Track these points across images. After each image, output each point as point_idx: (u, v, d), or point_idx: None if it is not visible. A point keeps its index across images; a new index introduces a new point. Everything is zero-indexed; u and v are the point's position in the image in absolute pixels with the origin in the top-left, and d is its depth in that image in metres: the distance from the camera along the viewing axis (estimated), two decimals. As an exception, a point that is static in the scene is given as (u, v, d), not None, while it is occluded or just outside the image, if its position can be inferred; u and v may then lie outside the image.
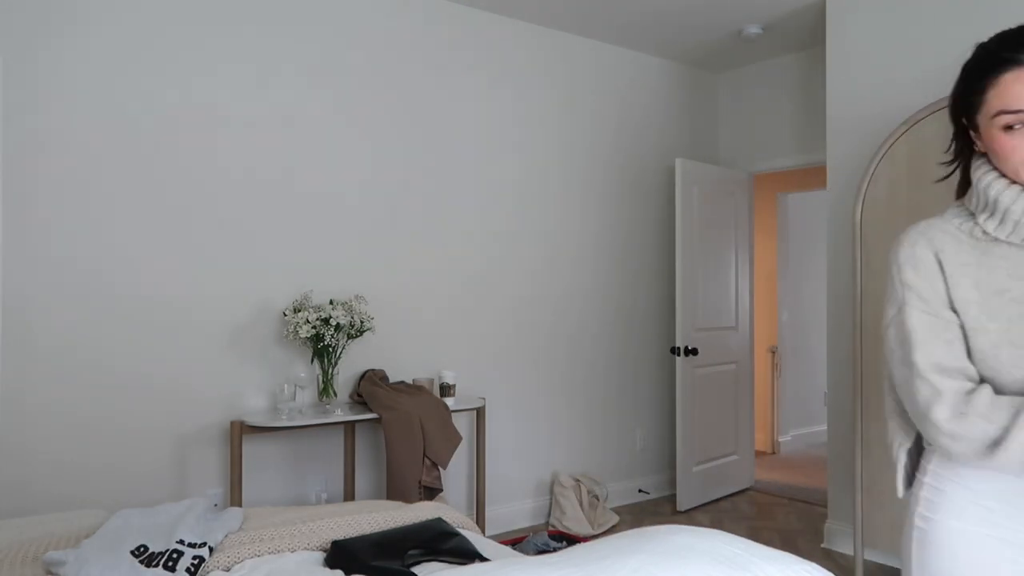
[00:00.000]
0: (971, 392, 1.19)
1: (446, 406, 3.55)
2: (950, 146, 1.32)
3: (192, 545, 1.87)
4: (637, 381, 4.82)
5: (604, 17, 4.26)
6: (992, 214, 1.22)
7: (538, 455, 4.36)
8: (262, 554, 1.92)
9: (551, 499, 4.30)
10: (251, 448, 3.38)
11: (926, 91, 3.46)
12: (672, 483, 4.93)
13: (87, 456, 3.04)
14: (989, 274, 1.21)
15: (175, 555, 1.83)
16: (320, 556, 1.96)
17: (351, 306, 3.39)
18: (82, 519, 2.23)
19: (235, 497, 3.07)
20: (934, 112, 3.18)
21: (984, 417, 1.15)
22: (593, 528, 4.15)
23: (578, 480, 4.28)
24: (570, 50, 4.52)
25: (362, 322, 3.39)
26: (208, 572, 1.84)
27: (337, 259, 3.65)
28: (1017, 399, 1.16)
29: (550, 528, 4.12)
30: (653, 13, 4.21)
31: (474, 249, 4.11)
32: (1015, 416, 1.13)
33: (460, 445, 3.77)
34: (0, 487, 2.88)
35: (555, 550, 3.57)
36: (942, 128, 3.16)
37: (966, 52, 1.29)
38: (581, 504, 4.19)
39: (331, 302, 3.41)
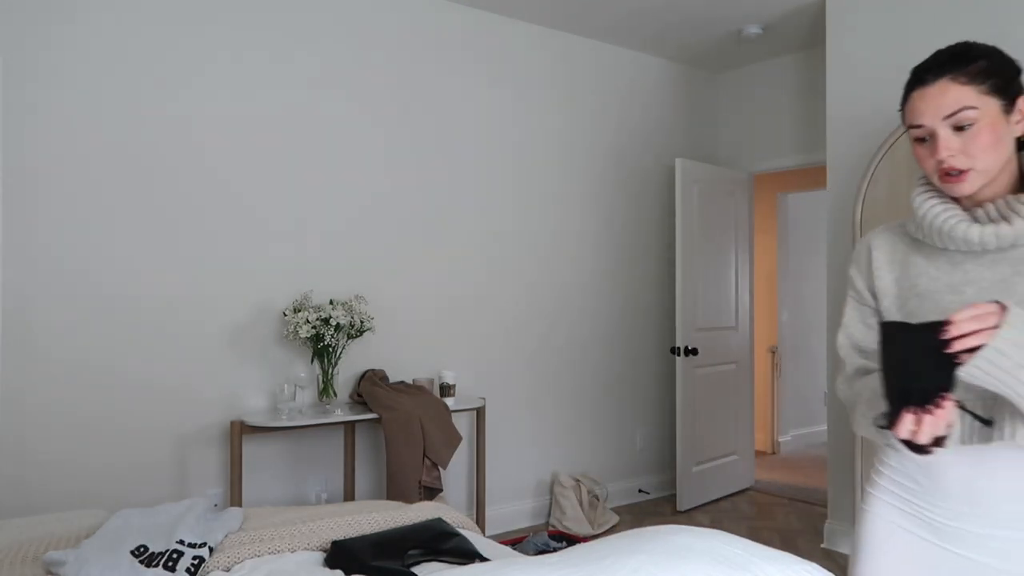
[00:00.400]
0: (868, 372, 1.38)
1: (446, 406, 3.55)
2: None
3: (192, 545, 1.87)
4: (637, 381, 4.82)
5: (604, 17, 4.26)
6: (913, 218, 1.37)
7: (538, 455, 4.36)
8: (262, 554, 1.92)
9: (551, 499, 4.30)
10: (251, 448, 3.38)
11: (926, 91, 3.45)
12: (672, 483, 4.93)
13: (87, 456, 3.04)
14: (908, 270, 1.36)
15: (175, 555, 1.83)
16: (320, 556, 1.96)
17: (351, 306, 3.39)
18: (82, 519, 2.23)
19: (235, 497, 3.07)
20: (934, 112, 3.17)
21: (856, 392, 1.36)
22: (593, 528, 4.15)
23: (578, 480, 4.28)
24: (570, 50, 4.51)
25: (362, 322, 3.39)
26: (208, 572, 1.84)
27: (337, 259, 3.65)
28: (878, 383, 1.29)
29: (550, 528, 4.12)
30: (653, 13, 4.21)
31: (474, 249, 4.11)
32: (859, 394, 1.34)
33: (460, 445, 3.77)
34: (0, 487, 2.88)
35: (555, 550, 3.57)
36: (942, 128, 3.16)
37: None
38: (581, 504, 4.19)
39: (331, 302, 3.41)
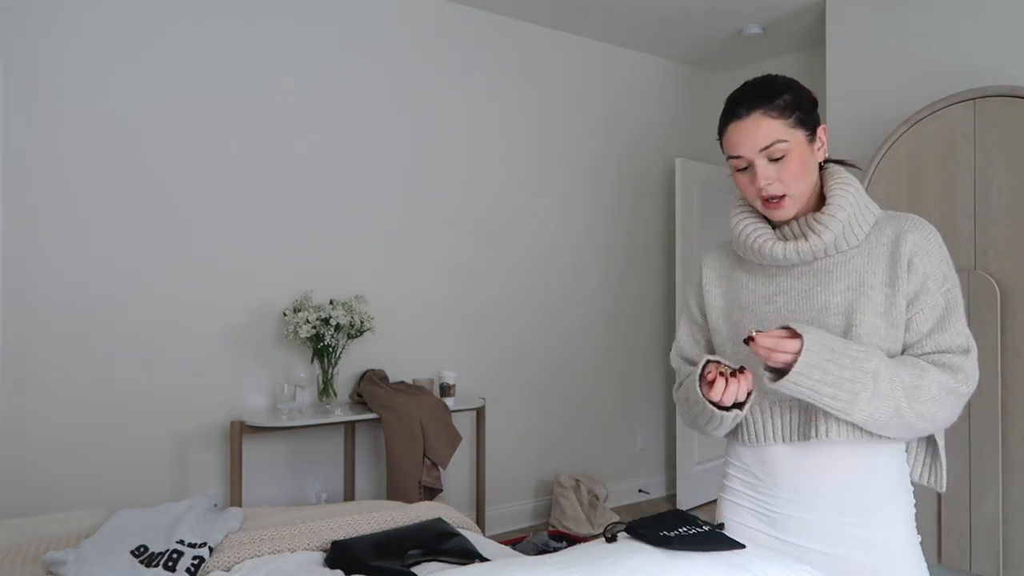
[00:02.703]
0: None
1: (446, 406, 3.55)
2: None
3: (192, 545, 1.87)
4: (637, 381, 4.82)
5: (604, 17, 4.26)
6: (735, 238, 1.49)
7: (538, 455, 4.36)
8: (262, 554, 1.92)
9: (551, 499, 4.30)
10: (251, 448, 3.38)
11: (926, 91, 3.45)
12: (672, 483, 4.93)
13: (87, 456, 3.04)
14: (733, 284, 1.50)
15: (175, 555, 1.83)
16: (320, 556, 1.96)
17: (351, 306, 3.39)
18: (82, 519, 2.23)
19: (235, 497, 3.07)
20: (934, 112, 3.18)
21: (683, 394, 1.50)
22: (593, 528, 4.15)
23: (578, 480, 4.27)
24: (570, 50, 4.51)
25: (362, 322, 3.39)
26: (208, 572, 1.84)
27: (337, 259, 3.65)
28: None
29: (550, 528, 4.12)
30: (653, 13, 4.21)
31: (474, 249, 4.11)
32: (685, 394, 1.48)
33: (460, 445, 3.77)
34: (0, 487, 2.88)
35: (555, 550, 3.57)
36: (942, 128, 3.16)
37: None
38: (581, 504, 4.19)
39: (331, 302, 3.41)
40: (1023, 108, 2.94)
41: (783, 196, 1.37)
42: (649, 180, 4.89)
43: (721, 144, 1.43)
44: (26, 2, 2.93)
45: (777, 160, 1.35)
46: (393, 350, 3.79)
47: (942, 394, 1.31)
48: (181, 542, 1.87)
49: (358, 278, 3.69)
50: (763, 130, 1.35)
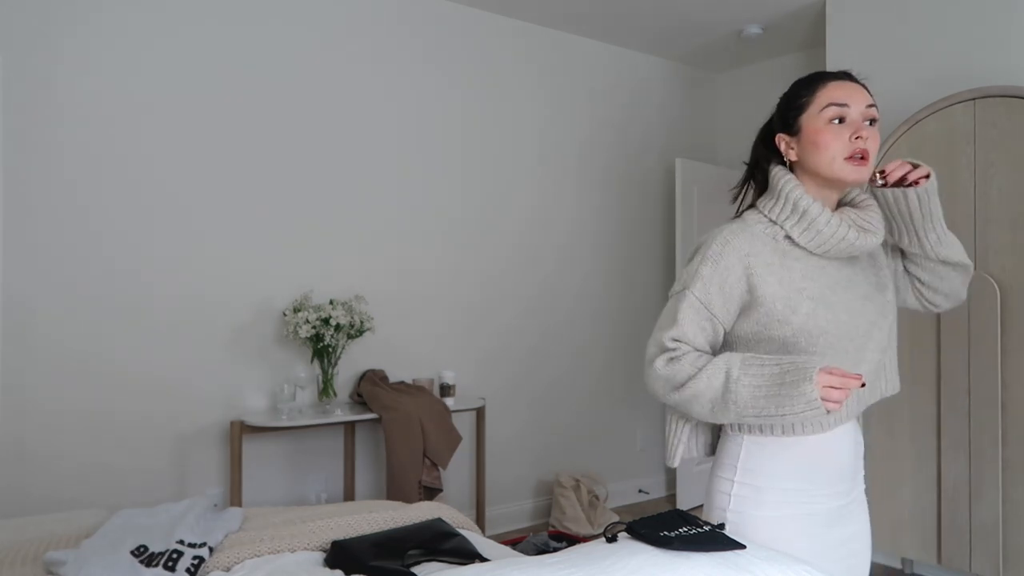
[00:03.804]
0: (694, 353, 1.41)
1: (446, 406, 3.55)
2: (745, 176, 1.67)
3: (192, 545, 1.87)
4: (637, 381, 4.82)
5: (604, 17, 4.26)
6: (799, 221, 1.42)
7: (538, 455, 4.36)
8: (262, 554, 1.92)
9: (551, 499, 4.30)
10: (251, 448, 3.38)
11: (926, 91, 3.45)
12: (672, 483, 4.93)
13: (87, 456, 3.04)
14: (789, 273, 1.41)
15: (175, 555, 1.83)
16: (320, 556, 1.96)
17: (351, 306, 3.39)
18: (82, 519, 2.23)
19: (235, 497, 3.07)
20: (934, 112, 3.18)
21: (691, 364, 1.38)
22: (593, 528, 4.15)
23: (578, 480, 4.27)
24: (570, 50, 4.51)
25: (362, 322, 3.39)
26: (208, 572, 1.84)
27: (337, 259, 3.65)
28: (724, 356, 1.37)
29: (550, 528, 4.12)
30: (653, 13, 4.21)
31: (474, 249, 4.11)
32: (709, 362, 1.36)
33: (460, 445, 3.77)
34: (0, 487, 2.88)
35: (555, 550, 3.57)
36: (942, 128, 3.16)
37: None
38: (581, 504, 4.19)
39: (331, 302, 3.41)
40: (1023, 108, 2.94)
41: (869, 157, 1.40)
42: (649, 180, 4.89)
43: (807, 100, 1.43)
44: (26, 2, 2.93)
45: (870, 124, 1.41)
46: (393, 350, 3.79)
47: None
48: (181, 542, 1.87)
49: (358, 278, 3.69)
50: (866, 95, 1.42)
